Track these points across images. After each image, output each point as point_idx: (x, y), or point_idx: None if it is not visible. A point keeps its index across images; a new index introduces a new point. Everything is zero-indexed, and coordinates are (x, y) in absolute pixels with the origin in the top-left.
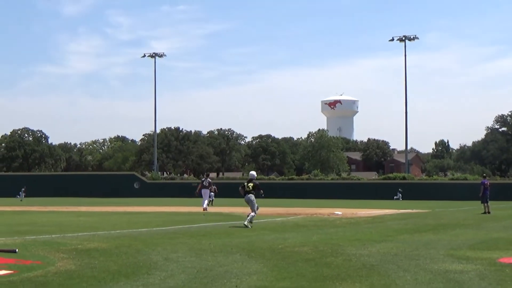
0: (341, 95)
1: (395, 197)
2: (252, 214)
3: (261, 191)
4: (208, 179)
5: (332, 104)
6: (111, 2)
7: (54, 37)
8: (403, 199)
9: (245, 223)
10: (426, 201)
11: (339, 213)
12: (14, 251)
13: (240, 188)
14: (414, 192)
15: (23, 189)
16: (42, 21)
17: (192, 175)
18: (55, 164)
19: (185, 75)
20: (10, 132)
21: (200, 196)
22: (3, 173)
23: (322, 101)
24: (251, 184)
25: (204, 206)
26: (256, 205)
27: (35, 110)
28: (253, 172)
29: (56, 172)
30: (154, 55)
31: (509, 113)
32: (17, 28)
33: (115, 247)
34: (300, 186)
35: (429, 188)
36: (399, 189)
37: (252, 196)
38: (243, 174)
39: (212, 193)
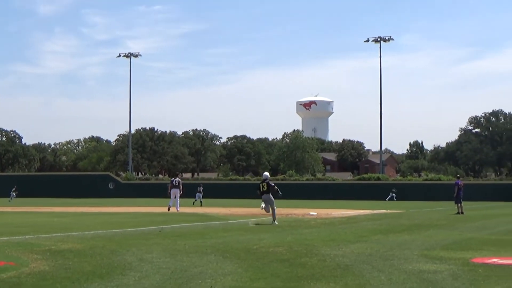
0: (316, 96)
1: (387, 198)
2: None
3: (279, 193)
4: (178, 178)
5: (307, 105)
6: (87, 1)
7: (29, 36)
8: (387, 199)
9: (275, 222)
10: (400, 202)
11: (314, 213)
12: None
13: (258, 191)
14: (388, 193)
15: (14, 188)
16: (17, 20)
17: (167, 175)
18: (28, 164)
19: (161, 75)
20: None
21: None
22: None
23: (297, 102)
24: (265, 184)
25: (170, 204)
26: (274, 203)
27: (9, 109)
28: (267, 173)
29: (30, 173)
30: (129, 55)
31: (483, 115)
32: None
33: (89, 248)
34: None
35: (403, 188)
36: (393, 189)
37: (270, 195)
38: (218, 175)
39: (199, 193)
